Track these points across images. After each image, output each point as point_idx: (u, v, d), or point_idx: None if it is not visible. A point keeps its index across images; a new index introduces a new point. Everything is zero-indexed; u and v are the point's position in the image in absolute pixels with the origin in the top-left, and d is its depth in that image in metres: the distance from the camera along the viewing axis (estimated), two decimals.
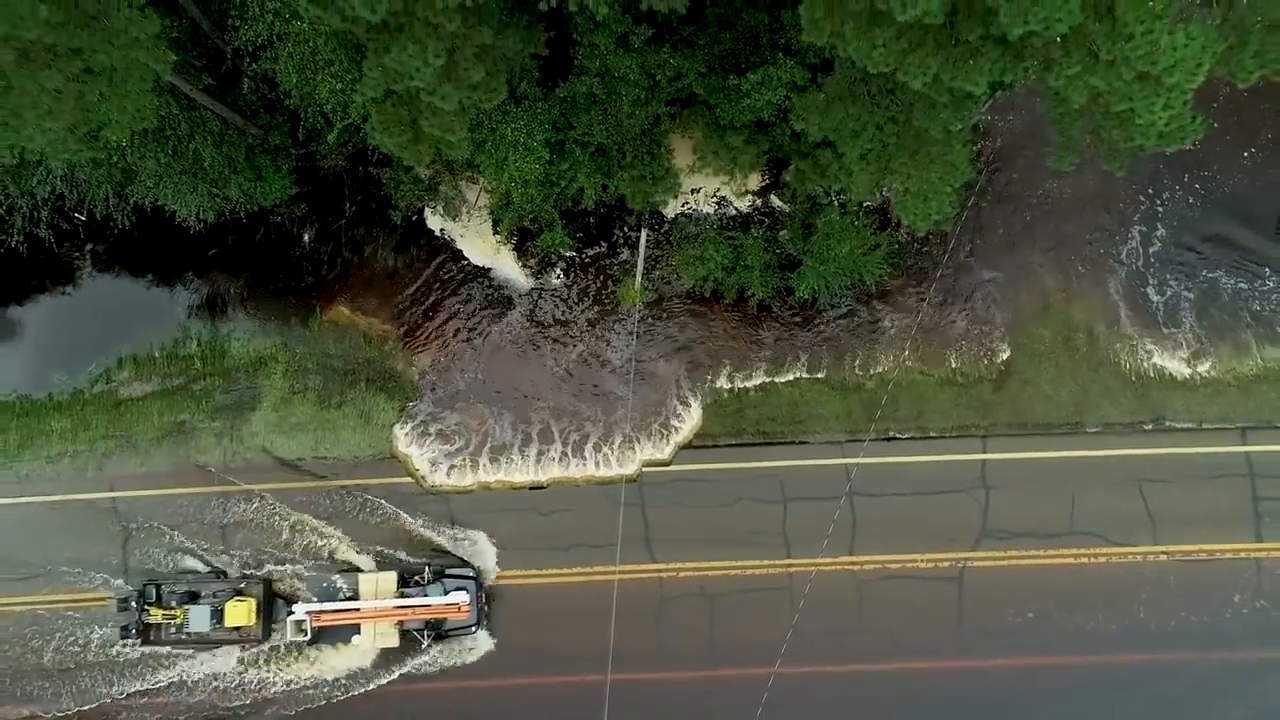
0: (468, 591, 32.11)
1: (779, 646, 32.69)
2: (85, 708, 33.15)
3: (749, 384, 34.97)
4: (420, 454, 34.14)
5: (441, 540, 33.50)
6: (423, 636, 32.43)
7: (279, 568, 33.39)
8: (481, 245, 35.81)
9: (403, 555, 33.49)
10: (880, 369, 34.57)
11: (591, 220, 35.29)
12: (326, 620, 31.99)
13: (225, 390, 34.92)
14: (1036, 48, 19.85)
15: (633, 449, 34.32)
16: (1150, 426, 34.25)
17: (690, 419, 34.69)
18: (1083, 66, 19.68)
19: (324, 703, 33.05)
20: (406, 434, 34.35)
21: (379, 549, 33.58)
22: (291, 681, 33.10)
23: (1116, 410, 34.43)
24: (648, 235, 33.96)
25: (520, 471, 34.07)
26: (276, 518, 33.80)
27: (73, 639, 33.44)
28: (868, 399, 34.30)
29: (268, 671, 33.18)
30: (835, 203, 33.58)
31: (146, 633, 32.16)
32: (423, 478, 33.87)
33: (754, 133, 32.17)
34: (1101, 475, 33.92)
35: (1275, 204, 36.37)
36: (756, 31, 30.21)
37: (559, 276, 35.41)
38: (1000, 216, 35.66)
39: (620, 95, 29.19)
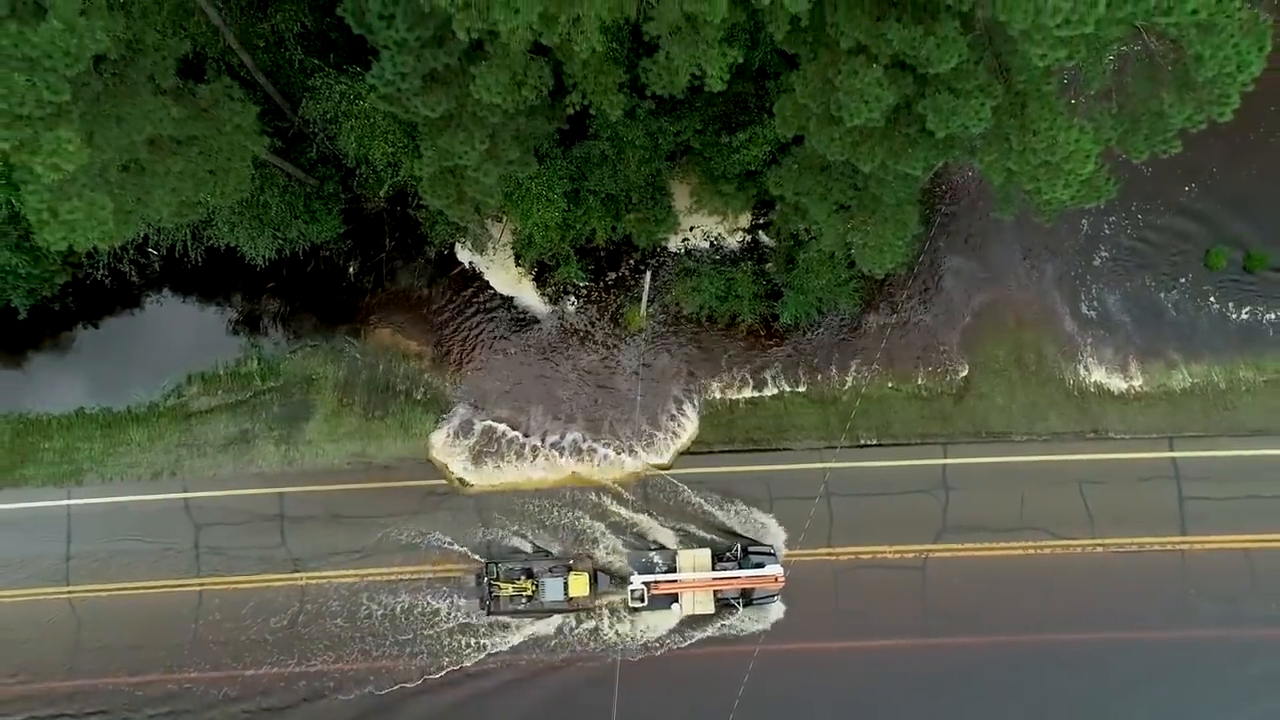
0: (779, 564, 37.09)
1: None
2: (449, 669, 37.91)
3: (739, 397, 39.84)
4: (453, 458, 39.12)
5: (732, 521, 38.41)
6: (737, 604, 37.35)
7: (597, 546, 38.28)
8: (505, 276, 40.77)
9: (707, 535, 38.35)
10: (853, 385, 39.53)
11: (602, 254, 40.29)
12: (661, 590, 36.92)
13: (281, 404, 39.93)
14: (962, 139, 24.80)
15: (638, 455, 39.26)
16: (1090, 435, 39.19)
17: (688, 428, 39.61)
18: (999, 154, 24.64)
19: (636, 659, 37.74)
20: (441, 440, 39.34)
21: (682, 528, 38.46)
22: (613, 642, 37.84)
23: (1061, 421, 39.34)
24: (651, 274, 39.01)
25: (539, 473, 39.07)
26: (587, 502, 38.73)
27: (425, 610, 38.24)
28: (842, 410, 39.29)
29: (596, 632, 37.96)
30: (814, 239, 38.49)
31: (490, 604, 37.08)
32: (456, 478, 38.88)
33: (743, 181, 37.12)
34: (1047, 477, 38.69)
35: (1207, 236, 41.09)
36: (744, 97, 35.07)
37: (573, 304, 40.40)
38: (962, 237, 40.58)
39: (627, 155, 34.22)
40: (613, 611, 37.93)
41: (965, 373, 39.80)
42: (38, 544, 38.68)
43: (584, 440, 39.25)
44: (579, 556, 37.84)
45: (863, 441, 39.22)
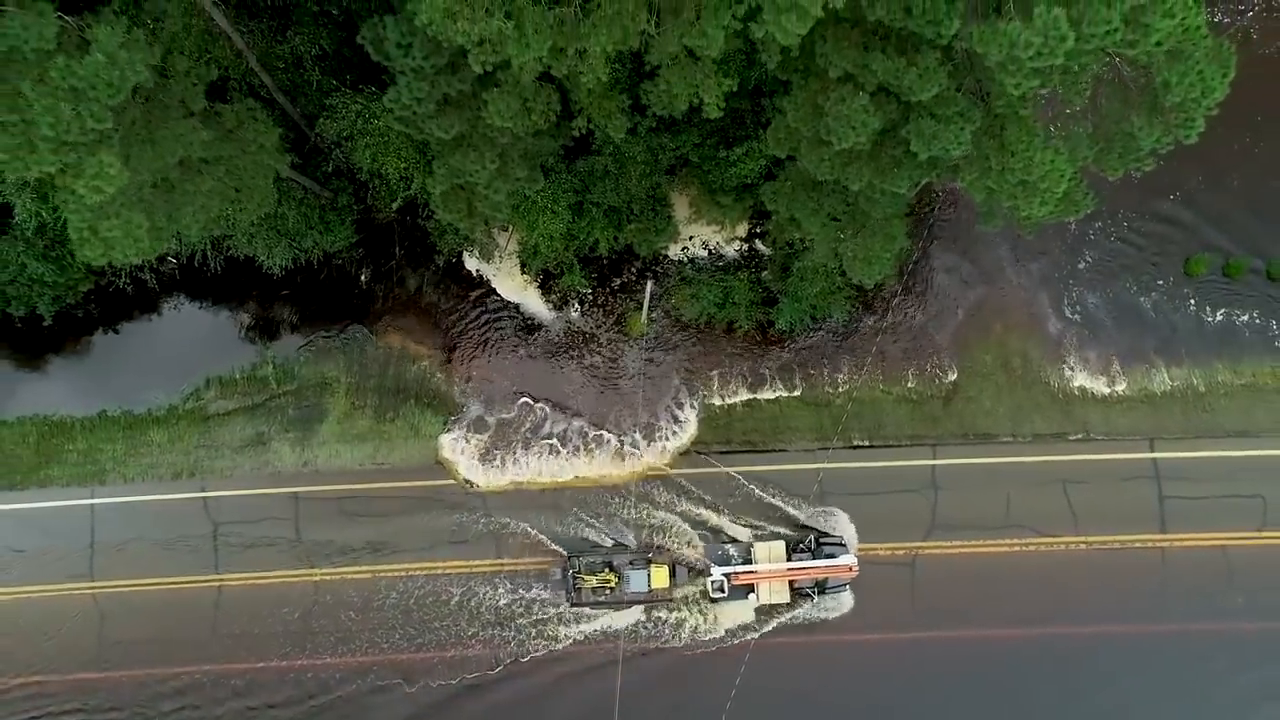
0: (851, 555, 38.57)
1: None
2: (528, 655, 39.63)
3: (737, 400, 41.38)
4: (461, 458, 40.68)
5: (801, 515, 39.81)
6: (812, 593, 38.81)
7: (672, 540, 39.74)
8: (511, 283, 42.30)
9: (781, 529, 39.76)
10: (846, 388, 41.05)
11: (605, 263, 41.80)
12: (740, 580, 38.34)
13: (296, 406, 41.46)
14: (944, 160, 26.31)
15: (638, 455, 40.76)
16: (1073, 437, 40.64)
17: (687, 430, 41.16)
18: (979, 173, 26.18)
19: (714, 649, 39.13)
20: (449, 443, 40.88)
21: (754, 522, 39.87)
22: (692, 631, 39.32)
23: (1045, 423, 40.80)
24: (652, 282, 40.57)
25: (545, 474, 40.61)
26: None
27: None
28: (836, 413, 40.81)
29: (672, 623, 39.46)
30: (808, 249, 39.99)
31: (574, 596, 38.47)
32: (464, 479, 40.43)
33: (740, 192, 38.63)
34: (1032, 477, 40.13)
35: (1189, 242, 42.45)
36: (741, 113, 36.58)
37: (577, 310, 41.94)
38: (951, 244, 42.14)
39: (629, 170, 35.79)
40: (715, 599, 38.83)
41: (954, 376, 41.27)
42: (63, 541, 40.30)
43: (586, 441, 40.79)
44: (658, 549, 39.20)
45: (855, 443, 40.71)
